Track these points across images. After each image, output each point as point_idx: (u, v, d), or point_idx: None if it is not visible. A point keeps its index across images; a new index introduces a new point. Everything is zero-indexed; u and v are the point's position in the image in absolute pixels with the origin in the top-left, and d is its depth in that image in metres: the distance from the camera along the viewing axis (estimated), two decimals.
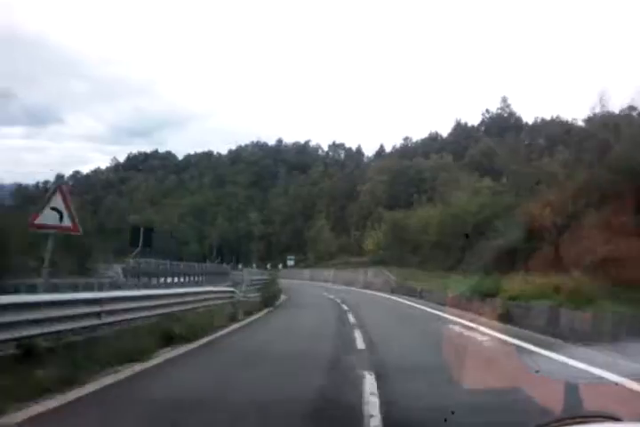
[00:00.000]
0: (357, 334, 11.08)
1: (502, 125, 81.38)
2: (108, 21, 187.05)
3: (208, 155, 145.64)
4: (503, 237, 23.41)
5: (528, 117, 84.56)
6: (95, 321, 7.48)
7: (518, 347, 9.04)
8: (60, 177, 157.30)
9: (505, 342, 9.78)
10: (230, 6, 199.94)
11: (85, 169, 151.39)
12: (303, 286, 42.33)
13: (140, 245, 15.18)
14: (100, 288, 11.85)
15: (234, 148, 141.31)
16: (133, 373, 6.54)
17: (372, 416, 4.67)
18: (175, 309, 10.40)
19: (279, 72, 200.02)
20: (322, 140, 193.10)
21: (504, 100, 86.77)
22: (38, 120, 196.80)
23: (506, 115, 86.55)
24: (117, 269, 16.31)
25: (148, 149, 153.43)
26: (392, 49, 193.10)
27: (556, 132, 67.43)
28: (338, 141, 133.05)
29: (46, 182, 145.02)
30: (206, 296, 12.80)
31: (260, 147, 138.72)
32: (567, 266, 16.66)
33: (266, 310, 17.26)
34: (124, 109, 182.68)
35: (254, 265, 69.02)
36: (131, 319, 8.78)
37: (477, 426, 4.43)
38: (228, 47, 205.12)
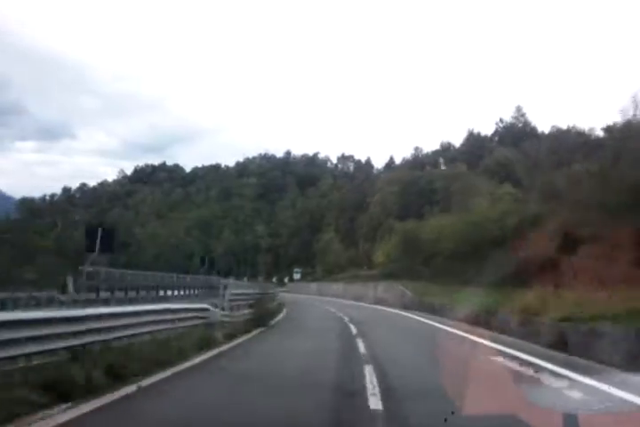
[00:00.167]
0: (369, 378, 7.36)
1: (517, 135, 79.00)
2: (120, 39, 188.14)
3: (216, 168, 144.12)
4: (533, 246, 20.51)
5: (544, 127, 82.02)
6: None
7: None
8: (66, 190, 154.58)
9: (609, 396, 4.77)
10: (240, 23, 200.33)
11: (93, 182, 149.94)
12: (308, 301, 39.63)
13: (97, 249, 12.34)
14: (28, 305, 9.11)
15: (241, 160, 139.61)
16: None
17: None
18: (112, 336, 7.48)
19: (288, 85, 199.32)
20: (331, 152, 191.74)
21: (518, 109, 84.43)
22: (51, 135, 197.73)
23: (520, 124, 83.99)
24: (69, 281, 13.55)
25: (156, 161, 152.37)
26: (402, 61, 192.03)
27: (574, 142, 64.97)
28: (347, 153, 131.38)
29: (53, 195, 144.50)
30: (174, 316, 9.82)
31: (267, 159, 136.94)
32: (615, 281, 13.80)
33: (255, 332, 14.19)
34: (136, 125, 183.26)
35: (260, 278, 66.43)
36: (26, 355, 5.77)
37: None
38: (238, 61, 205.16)
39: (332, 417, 5.34)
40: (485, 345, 11.73)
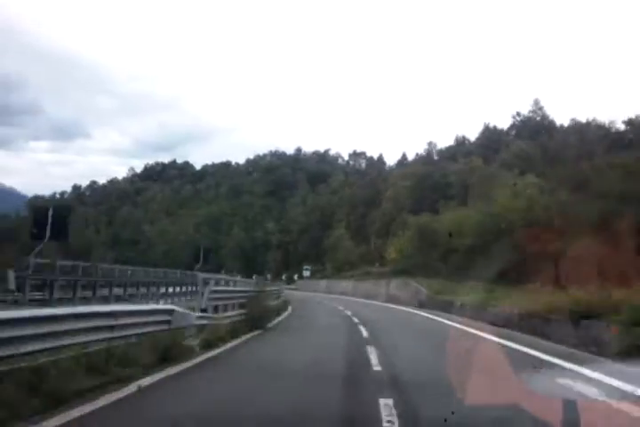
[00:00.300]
0: (384, 406, 5.22)
1: (534, 129, 76.48)
2: (135, 39, 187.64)
3: (226, 165, 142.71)
4: (567, 239, 18.17)
5: (562, 120, 79.45)
6: None
7: None
8: (76, 188, 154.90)
9: None
10: (253, 25, 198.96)
11: (102, 179, 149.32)
12: (316, 299, 37.52)
13: (47, 236, 9.86)
14: None
15: (251, 157, 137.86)
16: None
17: None
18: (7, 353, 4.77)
19: (299, 82, 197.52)
20: (342, 148, 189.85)
21: (536, 102, 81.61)
22: (65, 135, 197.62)
23: (538, 118, 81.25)
24: (11, 276, 11.20)
25: (166, 159, 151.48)
26: (415, 56, 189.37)
27: (595, 134, 62.40)
28: (359, 150, 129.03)
29: (63, 193, 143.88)
30: (115, 322, 6.78)
31: (278, 156, 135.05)
32: None
33: (245, 337, 11.79)
34: (150, 124, 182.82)
35: (268, 276, 64.50)
36: None
37: None
38: (251, 59, 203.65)
39: None
40: (542, 359, 8.80)
